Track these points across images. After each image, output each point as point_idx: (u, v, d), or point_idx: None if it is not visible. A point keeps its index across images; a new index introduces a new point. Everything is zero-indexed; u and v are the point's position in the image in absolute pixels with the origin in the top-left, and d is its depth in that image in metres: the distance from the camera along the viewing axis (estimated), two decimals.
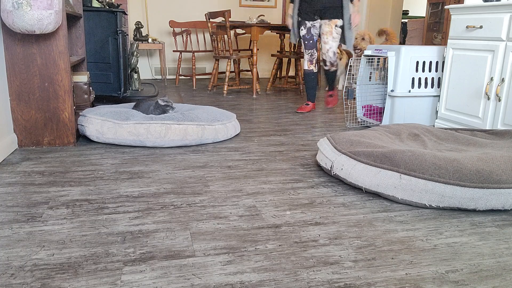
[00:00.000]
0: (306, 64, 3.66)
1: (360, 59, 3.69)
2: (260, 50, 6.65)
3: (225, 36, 5.51)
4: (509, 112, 2.44)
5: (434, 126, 3.06)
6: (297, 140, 2.74)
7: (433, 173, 1.64)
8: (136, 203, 1.66)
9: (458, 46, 2.79)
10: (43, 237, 1.37)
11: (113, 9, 3.46)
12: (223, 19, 5.59)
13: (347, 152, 1.91)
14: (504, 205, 1.60)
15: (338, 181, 1.98)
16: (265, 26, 4.70)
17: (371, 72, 3.29)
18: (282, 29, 4.89)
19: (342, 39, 3.55)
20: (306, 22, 3.55)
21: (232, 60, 5.32)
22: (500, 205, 1.60)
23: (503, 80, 2.47)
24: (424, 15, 4.83)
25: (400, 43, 5.97)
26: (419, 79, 3.01)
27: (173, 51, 5.33)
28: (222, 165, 2.18)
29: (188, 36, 5.46)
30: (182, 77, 6.29)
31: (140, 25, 5.23)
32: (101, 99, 3.97)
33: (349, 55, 5.20)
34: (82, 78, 2.95)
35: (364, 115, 3.35)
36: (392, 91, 2.97)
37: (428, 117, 3.08)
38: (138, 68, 4.48)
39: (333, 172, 1.96)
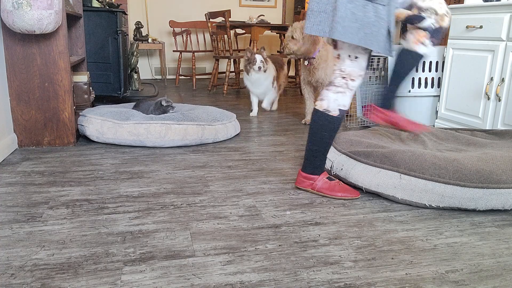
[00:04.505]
0: (349, 99, 1.69)
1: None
2: None
3: (225, 36, 5.50)
4: (509, 112, 2.44)
5: (434, 126, 3.06)
6: (297, 140, 2.74)
7: (433, 173, 1.64)
8: (136, 203, 1.66)
9: (458, 46, 2.79)
10: (43, 237, 1.37)
11: (113, 9, 3.46)
12: (223, 19, 5.59)
13: (347, 152, 1.91)
14: (504, 205, 1.60)
15: None
16: (265, 26, 4.70)
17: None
18: (282, 29, 4.89)
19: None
20: None
21: (232, 60, 5.31)
22: (500, 205, 1.60)
23: (503, 80, 2.47)
24: None
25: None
26: (419, 79, 3.01)
27: (173, 51, 5.33)
28: (222, 165, 2.18)
29: (188, 36, 5.46)
30: (182, 77, 6.29)
31: (140, 25, 5.23)
32: (101, 99, 3.97)
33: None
34: (82, 78, 2.94)
35: (364, 115, 3.34)
36: None
37: (428, 117, 3.08)
38: (138, 68, 4.48)
39: (333, 172, 1.95)
